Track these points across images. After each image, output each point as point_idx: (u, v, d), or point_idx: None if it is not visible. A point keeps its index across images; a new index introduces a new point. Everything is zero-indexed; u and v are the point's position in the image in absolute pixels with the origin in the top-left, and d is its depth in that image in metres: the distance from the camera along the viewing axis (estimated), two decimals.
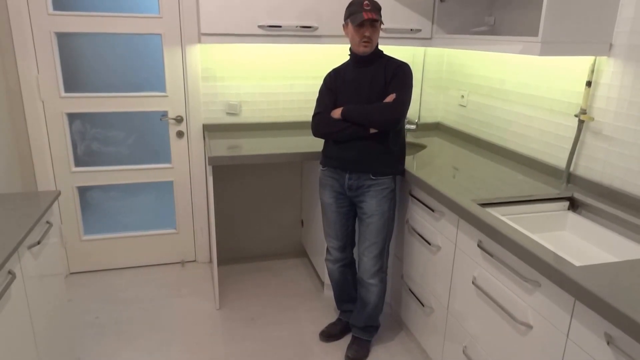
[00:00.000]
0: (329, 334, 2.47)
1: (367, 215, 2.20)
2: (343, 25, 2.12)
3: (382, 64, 2.11)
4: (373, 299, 2.28)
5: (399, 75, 2.08)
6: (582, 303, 1.26)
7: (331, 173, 2.24)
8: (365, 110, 2.07)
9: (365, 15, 1.97)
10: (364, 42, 2.04)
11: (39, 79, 2.67)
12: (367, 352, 2.37)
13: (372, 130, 2.07)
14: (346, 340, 2.42)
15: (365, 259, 2.22)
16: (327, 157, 2.25)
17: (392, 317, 2.64)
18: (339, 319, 2.54)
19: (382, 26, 2.10)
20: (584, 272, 1.31)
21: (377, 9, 2.04)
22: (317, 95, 2.22)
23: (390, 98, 2.06)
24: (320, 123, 2.17)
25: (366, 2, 2.01)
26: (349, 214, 2.30)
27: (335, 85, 2.18)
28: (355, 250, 2.38)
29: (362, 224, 2.23)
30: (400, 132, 2.19)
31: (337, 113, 2.12)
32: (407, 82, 2.09)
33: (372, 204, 2.18)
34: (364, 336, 2.38)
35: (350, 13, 2.03)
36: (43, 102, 2.72)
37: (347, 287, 2.47)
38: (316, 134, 2.20)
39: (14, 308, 1.49)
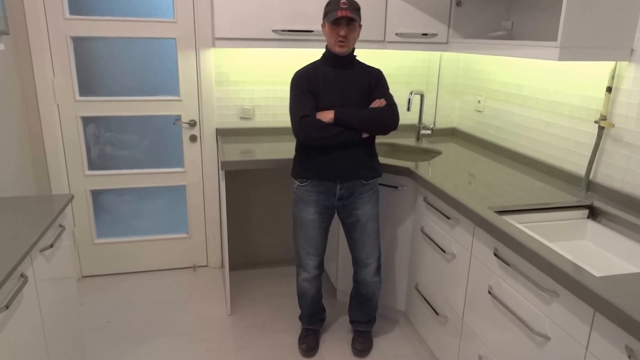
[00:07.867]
0: (308, 347, 2.37)
1: (361, 222, 2.18)
2: (321, 25, 2.07)
3: (362, 68, 2.12)
4: (376, 293, 2.35)
5: (382, 82, 2.12)
6: (602, 315, 1.22)
7: (315, 187, 2.12)
8: (364, 114, 2.03)
9: (340, 13, 1.93)
10: (339, 41, 1.99)
11: (55, 83, 2.70)
12: (372, 342, 2.44)
13: (364, 135, 2.05)
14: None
15: (371, 262, 2.25)
16: (308, 170, 2.10)
17: (405, 325, 2.61)
18: (310, 330, 2.45)
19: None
20: (604, 283, 1.27)
21: (355, 8, 1.98)
22: None
23: (379, 103, 2.06)
24: (309, 127, 1.98)
25: (343, 0, 1.96)
26: (328, 228, 2.25)
27: (314, 87, 2.04)
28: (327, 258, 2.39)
29: (357, 231, 2.20)
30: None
31: (326, 116, 1.99)
32: (388, 88, 2.14)
33: (367, 209, 2.16)
34: (367, 328, 2.45)
35: (327, 12, 2.00)
36: (58, 106, 2.75)
37: (318, 301, 2.41)
38: (305, 138, 2.01)
39: (26, 311, 1.49)
